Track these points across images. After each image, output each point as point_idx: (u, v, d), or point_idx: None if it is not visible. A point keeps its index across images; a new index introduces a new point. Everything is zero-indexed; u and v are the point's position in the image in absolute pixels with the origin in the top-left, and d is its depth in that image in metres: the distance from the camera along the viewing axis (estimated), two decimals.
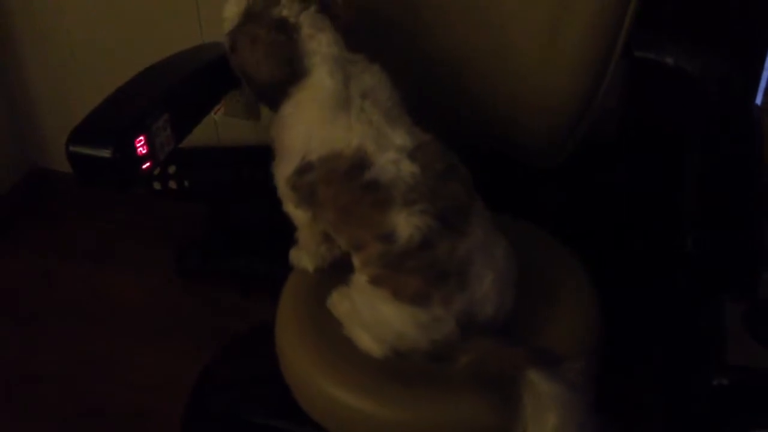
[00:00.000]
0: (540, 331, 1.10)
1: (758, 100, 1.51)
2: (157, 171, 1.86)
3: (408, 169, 1.00)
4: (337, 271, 1.15)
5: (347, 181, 1.02)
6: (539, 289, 1.14)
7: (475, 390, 1.01)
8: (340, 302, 1.13)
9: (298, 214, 1.13)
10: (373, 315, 1.04)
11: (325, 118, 1.03)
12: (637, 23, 1.14)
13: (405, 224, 0.98)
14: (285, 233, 1.20)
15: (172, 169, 1.88)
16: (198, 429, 1.57)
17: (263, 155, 1.83)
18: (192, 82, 1.15)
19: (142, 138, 1.04)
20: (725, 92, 1.07)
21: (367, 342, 1.07)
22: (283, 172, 1.10)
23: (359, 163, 1.00)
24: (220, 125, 1.86)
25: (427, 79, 1.29)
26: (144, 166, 1.05)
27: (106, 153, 1.00)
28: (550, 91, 1.21)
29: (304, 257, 1.21)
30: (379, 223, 1.00)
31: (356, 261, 1.07)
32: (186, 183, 1.88)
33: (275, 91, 1.09)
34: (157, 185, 1.91)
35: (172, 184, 1.89)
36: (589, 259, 1.24)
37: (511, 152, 1.32)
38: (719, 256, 0.93)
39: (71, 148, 1.01)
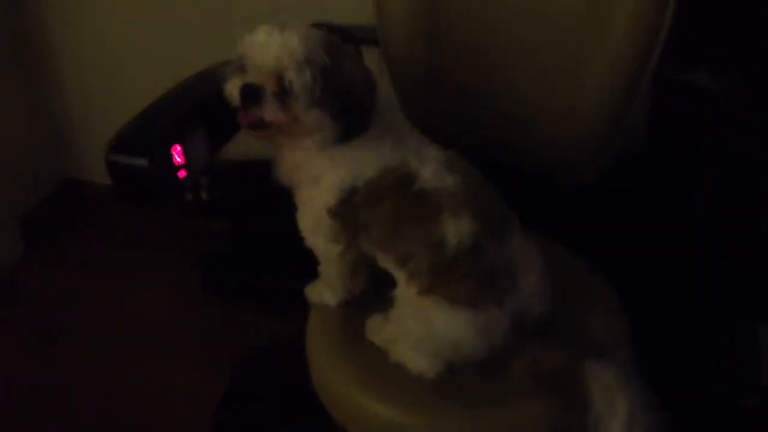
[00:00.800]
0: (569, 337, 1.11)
1: None
2: (189, 183, 1.88)
3: (450, 178, 1.04)
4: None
5: (396, 194, 1.05)
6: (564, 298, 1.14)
7: (530, 396, 1.03)
8: (380, 328, 1.14)
9: (329, 248, 1.14)
10: (426, 328, 1.06)
11: (374, 145, 1.07)
12: (667, 45, 1.15)
13: (455, 230, 1.03)
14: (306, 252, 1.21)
15: (204, 180, 1.90)
16: None
17: None
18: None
19: (178, 147, 1.05)
20: (751, 110, 1.07)
21: (418, 362, 1.08)
22: (323, 202, 1.10)
23: (406, 177, 1.05)
24: (251, 139, 1.88)
25: (471, 97, 1.30)
26: (180, 174, 1.07)
27: (143, 162, 1.02)
28: (586, 110, 1.22)
29: (325, 292, 1.22)
30: (428, 232, 1.04)
31: (402, 275, 1.09)
32: (217, 194, 1.90)
33: None
34: (189, 196, 1.92)
35: (204, 196, 1.91)
36: (619, 279, 1.23)
37: (545, 171, 1.32)
38: (752, 277, 0.92)
39: (110, 157, 1.03)
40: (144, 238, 2.21)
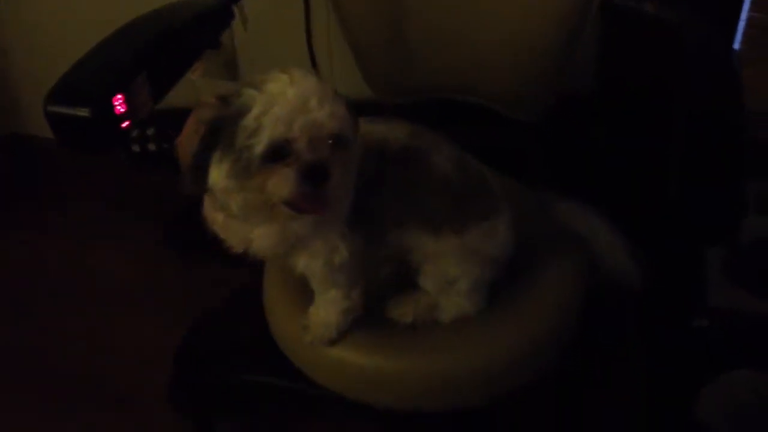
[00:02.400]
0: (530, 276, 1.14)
1: (736, 46, 1.52)
2: (136, 133, 1.85)
3: (418, 131, 1.06)
4: None
5: (391, 169, 1.03)
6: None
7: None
8: (414, 303, 1.12)
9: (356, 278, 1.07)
10: (476, 259, 1.07)
11: None
12: None
13: (445, 160, 1.03)
14: None
15: (151, 131, 1.86)
16: (186, 393, 1.58)
17: None
18: (170, 40, 1.14)
19: (120, 96, 1.03)
20: (705, 40, 1.08)
21: (475, 301, 1.11)
22: (338, 248, 1.03)
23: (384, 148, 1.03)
24: (199, 86, 1.84)
25: (411, 28, 1.29)
26: (123, 125, 1.05)
27: (84, 112, 0.99)
28: (532, 39, 1.21)
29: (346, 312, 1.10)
30: (431, 179, 1.04)
31: (430, 237, 1.06)
32: (165, 145, 1.86)
33: None
34: (136, 148, 1.89)
35: (152, 147, 1.88)
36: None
37: (492, 104, 1.32)
38: (702, 205, 0.94)
39: (49, 108, 1.00)
40: (98, 194, 2.17)
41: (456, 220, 1.05)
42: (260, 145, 0.85)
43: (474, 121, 1.35)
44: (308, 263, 1.03)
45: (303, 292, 1.12)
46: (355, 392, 1.12)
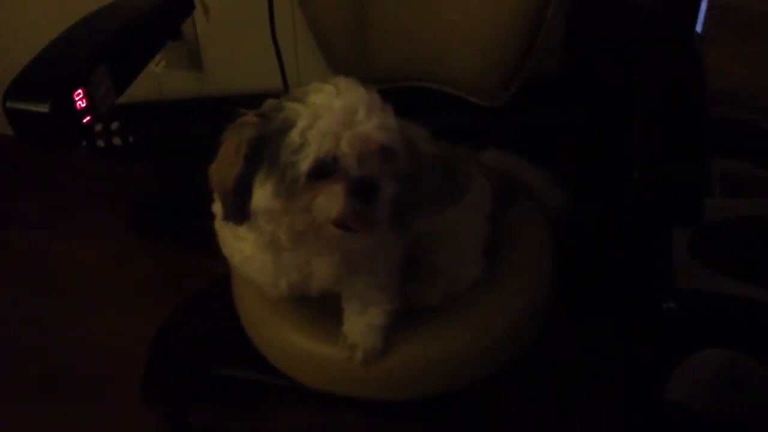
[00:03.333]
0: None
1: (699, 29, 1.53)
2: (99, 128, 1.82)
3: None
4: None
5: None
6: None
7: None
8: (434, 284, 1.10)
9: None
10: (475, 222, 1.12)
11: None
12: None
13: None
14: None
15: (115, 125, 1.83)
16: (159, 387, 1.57)
17: (208, 107, 1.82)
18: (129, 32, 1.12)
19: (80, 91, 1.01)
20: (667, 21, 1.08)
21: (477, 267, 1.12)
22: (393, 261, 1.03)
23: None
24: (162, 78, 1.82)
25: (374, 15, 1.28)
26: (84, 120, 1.03)
27: (44, 108, 0.97)
28: (496, 23, 1.21)
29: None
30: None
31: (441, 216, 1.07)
32: (131, 139, 1.84)
33: None
34: (101, 143, 1.86)
35: (117, 141, 1.85)
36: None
37: (457, 90, 1.32)
38: (666, 184, 0.94)
39: (8, 105, 0.99)
40: (67, 185, 2.15)
41: (453, 193, 1.06)
42: (306, 162, 0.80)
43: (440, 107, 1.35)
44: (365, 283, 1.00)
45: None
46: (326, 383, 1.12)
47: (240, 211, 0.86)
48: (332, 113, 0.81)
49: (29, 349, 1.75)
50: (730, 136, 1.36)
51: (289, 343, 1.11)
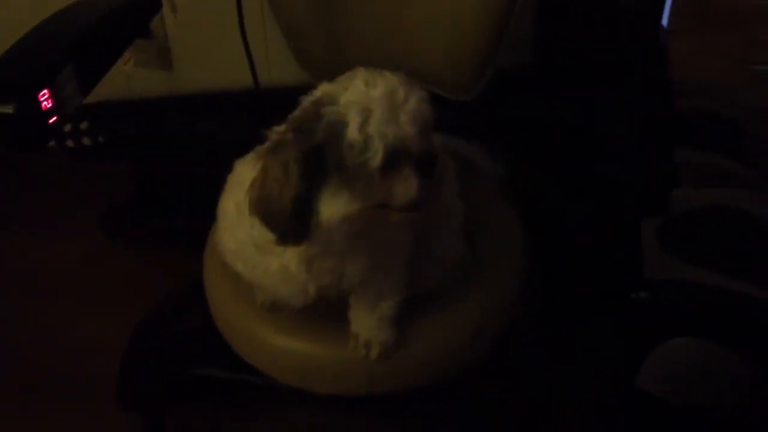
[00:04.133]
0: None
1: (664, 22, 1.54)
2: (68, 128, 1.81)
3: None
4: None
5: None
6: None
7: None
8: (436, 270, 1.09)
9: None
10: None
11: None
12: None
13: None
14: (210, 187, 1.17)
15: (84, 125, 1.82)
16: (134, 389, 1.56)
17: (178, 105, 1.80)
18: (95, 30, 1.11)
19: (45, 91, 0.99)
20: (632, 13, 1.09)
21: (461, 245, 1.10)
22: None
23: None
24: (131, 76, 1.81)
25: (343, 12, 1.28)
26: (51, 121, 1.02)
27: (8, 109, 0.96)
28: (463, 17, 1.21)
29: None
30: None
31: None
32: (100, 138, 1.83)
33: None
34: (70, 143, 1.85)
35: (86, 141, 1.83)
36: (511, 187, 1.27)
37: (428, 85, 1.32)
38: (631, 175, 0.96)
39: None
40: (40, 185, 2.13)
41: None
42: (378, 156, 0.79)
43: None
44: (392, 278, 0.99)
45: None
46: (304, 381, 1.12)
47: (301, 231, 0.84)
48: (380, 101, 0.80)
49: (7, 350, 1.74)
50: (695, 126, 1.37)
51: (264, 341, 1.11)
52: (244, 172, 0.95)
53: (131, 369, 1.55)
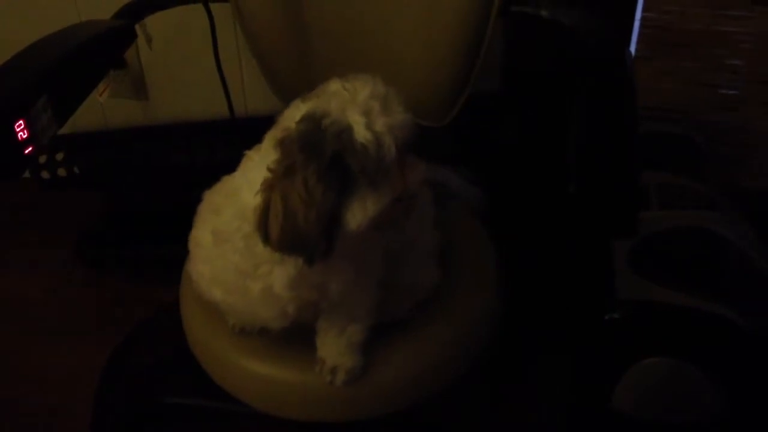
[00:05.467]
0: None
1: (632, 48, 1.58)
2: (44, 159, 1.80)
3: None
4: None
5: None
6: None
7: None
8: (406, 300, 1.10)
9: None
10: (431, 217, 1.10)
11: None
12: None
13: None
14: (182, 215, 1.18)
15: (60, 156, 1.82)
16: (109, 420, 1.55)
17: (154, 135, 1.81)
18: (70, 62, 1.11)
19: (21, 122, 1.00)
20: (599, 42, 1.12)
21: (435, 274, 1.10)
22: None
23: None
24: (107, 107, 1.81)
25: (315, 42, 1.30)
26: (26, 151, 1.02)
27: None
28: (434, 50, 1.24)
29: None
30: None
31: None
32: (76, 169, 1.83)
33: None
34: (45, 174, 1.84)
35: (62, 172, 1.83)
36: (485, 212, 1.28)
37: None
38: (600, 198, 0.97)
39: None
40: (4, 221, 2.11)
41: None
42: (392, 150, 0.81)
43: None
44: (350, 294, 0.98)
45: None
46: (279, 408, 1.12)
47: (329, 247, 0.83)
48: (370, 100, 0.82)
49: None
50: (664, 149, 1.40)
51: (244, 368, 1.10)
52: (217, 201, 0.96)
53: (105, 398, 1.54)
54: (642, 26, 1.58)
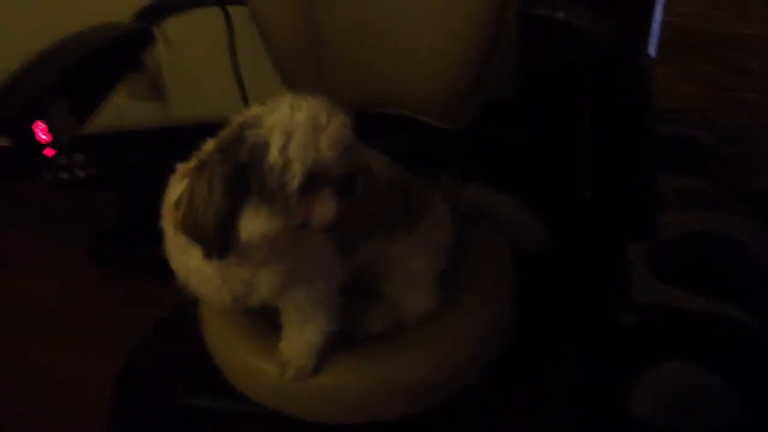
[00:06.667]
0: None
1: (652, 51, 1.57)
2: (62, 160, 1.82)
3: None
4: None
5: None
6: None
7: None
8: (382, 312, 1.11)
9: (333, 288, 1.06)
10: (427, 252, 1.10)
11: None
12: None
13: (388, 172, 1.07)
14: None
15: (79, 158, 1.83)
16: (125, 422, 1.55)
17: (171, 137, 1.82)
18: (89, 64, 1.12)
19: (41, 123, 1.01)
20: (613, 45, 1.11)
21: (427, 298, 1.11)
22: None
23: None
24: (125, 109, 1.83)
25: (330, 44, 1.30)
26: (45, 152, 1.03)
27: (3, 141, 0.97)
28: (447, 51, 1.24)
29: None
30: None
31: (387, 239, 1.07)
32: (93, 170, 1.84)
33: None
34: (64, 175, 1.86)
35: (80, 173, 1.85)
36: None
37: (417, 114, 1.34)
38: (616, 202, 0.97)
39: None
40: (23, 222, 2.13)
41: (407, 218, 1.07)
42: (296, 179, 0.82)
43: (399, 131, 1.37)
44: (306, 294, 1.01)
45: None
46: (297, 409, 1.12)
47: (224, 247, 0.87)
48: (301, 125, 0.83)
49: None
50: (680, 152, 1.39)
51: (258, 370, 1.11)
52: (176, 184, 0.97)
53: (120, 399, 1.54)
54: (660, 29, 1.57)
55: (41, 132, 1.02)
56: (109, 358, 1.58)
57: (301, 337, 1.05)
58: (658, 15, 1.57)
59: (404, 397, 1.10)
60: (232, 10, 1.40)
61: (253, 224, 0.85)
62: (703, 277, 1.19)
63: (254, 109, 0.87)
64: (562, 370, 1.53)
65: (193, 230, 0.87)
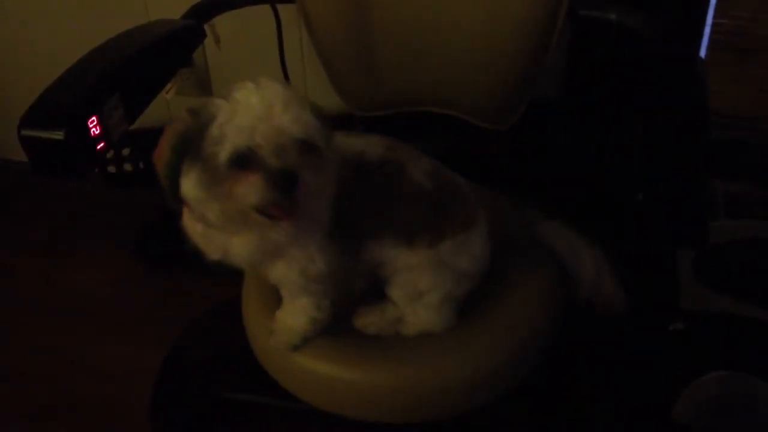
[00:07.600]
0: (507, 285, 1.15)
1: (702, 54, 1.55)
2: (110, 154, 1.84)
3: (392, 144, 1.07)
4: None
5: (367, 183, 1.04)
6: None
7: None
8: (380, 315, 1.12)
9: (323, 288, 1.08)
10: (442, 273, 1.07)
11: None
12: None
13: (422, 173, 1.05)
14: None
15: (126, 152, 1.86)
16: (167, 413, 1.57)
17: None
18: (141, 60, 1.14)
19: (94, 118, 1.02)
20: (668, 46, 1.10)
21: (446, 316, 1.10)
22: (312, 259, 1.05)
23: (363, 164, 1.04)
24: (173, 104, 1.85)
25: (380, 43, 1.30)
26: (98, 147, 1.05)
27: (58, 135, 0.99)
28: (499, 52, 1.23)
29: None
30: (405, 191, 1.04)
31: (403, 248, 1.06)
32: (141, 165, 1.86)
33: None
34: (112, 169, 1.89)
35: (128, 167, 1.87)
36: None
37: (464, 114, 1.34)
38: (669, 207, 0.96)
39: (23, 132, 0.99)
40: (72, 214, 2.17)
41: (431, 232, 1.05)
42: (224, 153, 0.86)
43: (445, 131, 1.37)
44: (283, 272, 1.04)
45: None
46: (339, 407, 1.12)
47: (175, 197, 0.93)
48: (249, 108, 0.87)
49: (34, 376, 1.75)
50: (732, 157, 1.37)
51: (299, 366, 1.11)
52: None
53: (164, 391, 1.56)
54: (713, 32, 1.55)
55: (94, 126, 1.03)
56: (155, 349, 1.61)
57: (290, 314, 1.10)
58: (710, 17, 1.55)
59: (441, 398, 1.10)
60: (282, 8, 1.41)
61: (185, 182, 0.91)
62: (751, 284, 1.17)
63: (238, 83, 0.91)
64: (608, 376, 1.51)
65: (159, 178, 0.94)
